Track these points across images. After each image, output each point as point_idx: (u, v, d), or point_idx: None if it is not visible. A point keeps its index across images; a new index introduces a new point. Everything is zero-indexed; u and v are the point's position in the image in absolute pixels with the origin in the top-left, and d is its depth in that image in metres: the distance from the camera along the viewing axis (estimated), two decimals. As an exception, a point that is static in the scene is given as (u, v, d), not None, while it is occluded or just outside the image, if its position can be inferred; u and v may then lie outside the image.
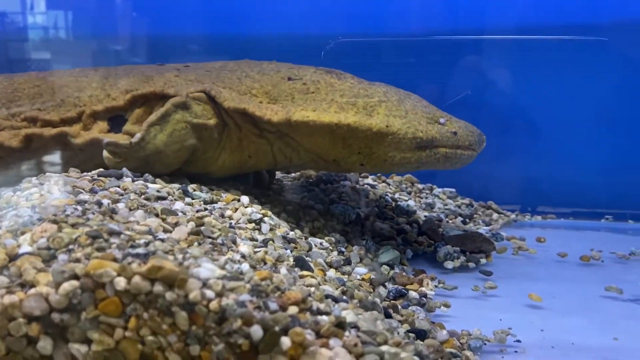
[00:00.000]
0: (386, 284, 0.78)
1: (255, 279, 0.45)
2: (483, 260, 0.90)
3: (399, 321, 0.61)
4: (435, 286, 0.80)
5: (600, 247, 0.97)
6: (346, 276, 0.74)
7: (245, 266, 0.48)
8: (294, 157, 0.82)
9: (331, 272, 0.72)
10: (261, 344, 0.40)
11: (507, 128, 1.20)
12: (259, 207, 0.78)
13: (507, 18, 1.19)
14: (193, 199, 0.75)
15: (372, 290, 0.75)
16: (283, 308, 0.42)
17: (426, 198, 1.18)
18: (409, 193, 1.19)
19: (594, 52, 1.17)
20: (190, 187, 0.77)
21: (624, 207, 1.18)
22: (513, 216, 1.18)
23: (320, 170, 0.97)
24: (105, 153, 0.77)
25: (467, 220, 1.11)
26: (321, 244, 0.82)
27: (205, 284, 0.42)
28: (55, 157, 0.83)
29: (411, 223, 1.01)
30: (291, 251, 0.71)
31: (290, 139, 0.80)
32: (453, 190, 1.23)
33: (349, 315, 0.45)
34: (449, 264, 0.88)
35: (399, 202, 1.11)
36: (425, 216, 1.06)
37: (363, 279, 0.77)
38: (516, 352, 0.62)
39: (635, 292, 0.78)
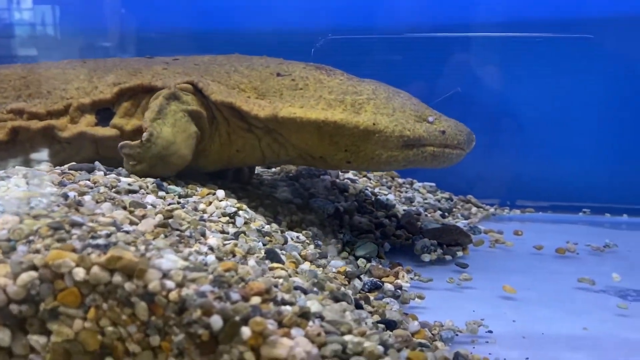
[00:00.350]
0: (362, 276, 0.79)
1: (219, 270, 0.45)
2: (460, 253, 0.91)
3: (370, 312, 0.61)
4: (411, 278, 0.80)
5: (577, 240, 0.97)
6: (321, 269, 0.74)
7: (211, 258, 0.48)
8: (281, 152, 0.82)
9: (305, 265, 0.72)
10: (221, 334, 0.40)
11: (487, 123, 1.20)
12: (235, 201, 0.78)
13: (495, 14, 1.19)
14: (167, 192, 0.75)
15: (347, 282, 0.75)
16: (245, 298, 0.42)
17: (406, 192, 1.18)
18: (389, 187, 1.19)
19: (575, 48, 1.18)
20: (166, 182, 0.77)
21: (601, 200, 1.19)
22: (492, 210, 1.19)
23: (307, 166, 0.96)
24: (125, 159, 0.76)
25: (446, 214, 1.11)
26: (297, 237, 0.82)
27: (165, 275, 0.42)
28: (41, 150, 0.82)
29: (390, 217, 1.02)
30: (265, 244, 0.71)
31: (278, 134, 0.80)
32: (433, 184, 1.24)
33: (313, 306, 0.45)
34: (426, 257, 0.88)
35: (378, 196, 1.11)
36: (404, 210, 1.07)
37: (338, 272, 0.77)
38: (487, 342, 0.63)
39: (607, 283, 0.79)
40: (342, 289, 0.68)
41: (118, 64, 0.86)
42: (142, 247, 0.45)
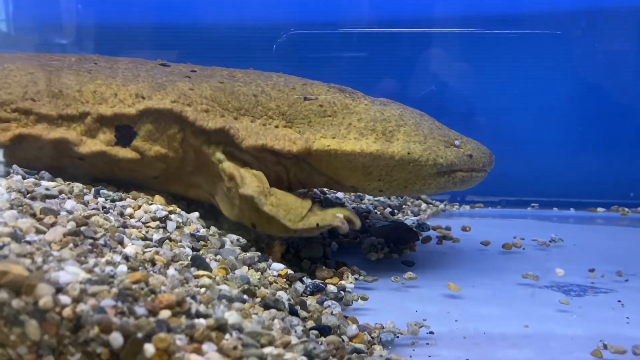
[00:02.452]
0: (304, 278, 0.76)
1: (126, 282, 0.41)
2: (407, 251, 0.89)
3: (305, 318, 0.58)
4: (356, 279, 0.78)
5: (524, 235, 0.97)
6: (259, 273, 0.71)
7: (122, 268, 0.44)
8: (307, 181, 0.81)
9: (242, 270, 0.69)
10: (122, 352, 0.36)
11: (438, 118, 1.20)
12: (165, 204, 0.74)
13: (464, 8, 1.18)
14: (105, 198, 0.72)
15: (288, 286, 0.73)
16: (153, 312, 0.39)
17: (356, 190, 1.16)
18: (340, 185, 1.17)
19: (524, 44, 1.18)
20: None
21: (549, 195, 1.20)
22: (442, 206, 1.18)
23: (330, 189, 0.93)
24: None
25: (396, 211, 1.10)
26: (238, 240, 0.79)
27: (60, 290, 0.38)
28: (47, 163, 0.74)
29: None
30: (198, 249, 0.68)
31: (306, 164, 0.79)
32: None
33: (231, 317, 0.42)
34: (373, 256, 0.86)
35: (327, 195, 1.09)
36: (352, 208, 1.05)
37: (279, 275, 0.74)
38: (428, 344, 0.61)
39: (551, 278, 0.79)
40: (279, 293, 0.65)
41: (136, 70, 0.80)
42: (40, 260, 0.41)
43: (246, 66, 0.88)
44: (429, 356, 0.58)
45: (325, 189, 1.11)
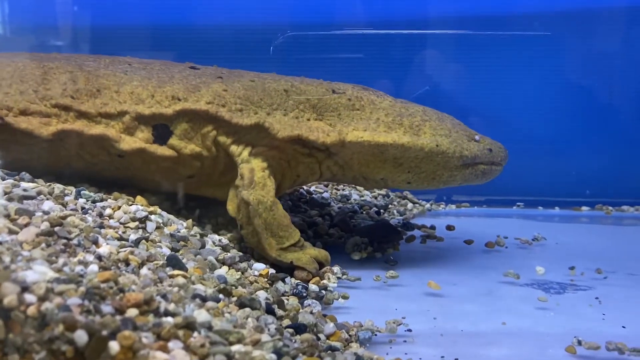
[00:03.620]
0: (286, 279, 0.76)
1: (94, 281, 0.41)
2: (390, 250, 0.89)
3: (281, 317, 0.59)
4: (338, 278, 0.78)
5: (508, 234, 0.98)
6: (239, 273, 0.71)
7: (93, 268, 0.45)
8: (339, 173, 0.83)
9: (222, 270, 0.69)
10: (87, 349, 0.37)
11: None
12: (146, 205, 0.74)
13: (460, 9, 1.18)
14: (86, 199, 0.72)
15: (268, 285, 0.73)
16: (120, 311, 0.39)
17: (343, 190, 1.17)
18: (326, 185, 1.17)
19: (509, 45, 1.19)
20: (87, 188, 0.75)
21: (534, 194, 1.21)
22: (428, 205, 1.18)
23: (357, 185, 0.95)
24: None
25: (382, 210, 1.10)
26: (220, 240, 0.79)
27: (26, 289, 0.38)
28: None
29: (324, 215, 1.00)
30: (178, 250, 0.68)
31: (339, 157, 0.81)
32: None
33: (200, 315, 0.42)
34: (356, 255, 0.87)
35: (313, 195, 1.09)
36: (338, 208, 1.05)
37: (260, 275, 0.75)
38: (405, 341, 0.61)
39: (532, 276, 0.79)
40: (258, 293, 0.65)
41: (169, 71, 0.81)
42: (7, 259, 0.41)
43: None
44: (406, 353, 0.58)
45: (310, 189, 1.11)
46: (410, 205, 1.16)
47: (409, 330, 0.63)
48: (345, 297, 0.72)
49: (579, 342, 0.58)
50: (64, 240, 0.50)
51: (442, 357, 0.57)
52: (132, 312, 0.39)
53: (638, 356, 0.56)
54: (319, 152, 0.80)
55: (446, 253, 0.91)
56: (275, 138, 0.77)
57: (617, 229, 1.11)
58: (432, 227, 1.00)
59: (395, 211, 1.12)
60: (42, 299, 0.38)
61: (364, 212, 1.07)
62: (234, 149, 0.78)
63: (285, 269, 0.76)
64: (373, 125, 0.80)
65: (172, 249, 0.67)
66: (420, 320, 0.66)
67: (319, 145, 0.79)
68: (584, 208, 1.21)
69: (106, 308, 0.39)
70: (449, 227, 1.00)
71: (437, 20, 1.19)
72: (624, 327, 0.64)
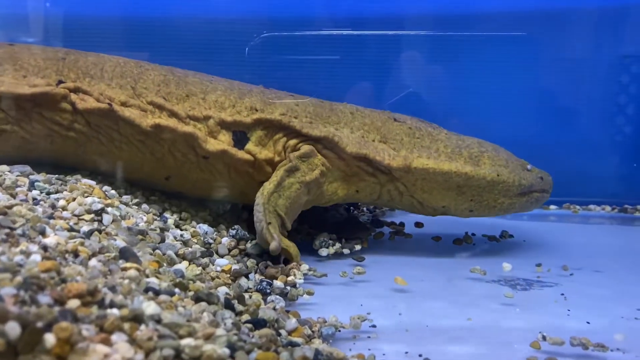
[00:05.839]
0: (250, 275, 0.74)
1: (34, 270, 0.38)
2: (358, 247, 0.88)
3: (241, 312, 0.57)
4: (305, 275, 0.77)
5: (476, 231, 0.98)
6: (200, 268, 0.69)
7: (35, 258, 0.42)
8: (397, 199, 0.86)
9: (181, 265, 0.67)
10: (20, 342, 0.34)
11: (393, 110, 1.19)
12: (104, 198, 0.71)
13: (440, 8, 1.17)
14: (40, 191, 0.69)
15: (231, 281, 0.71)
16: (60, 302, 0.37)
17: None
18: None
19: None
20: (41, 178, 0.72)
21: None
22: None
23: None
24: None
25: (352, 208, 1.09)
26: (182, 235, 0.77)
27: (-46, 278, 0.35)
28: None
29: (292, 212, 0.98)
30: (135, 243, 0.65)
31: (400, 183, 0.84)
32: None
33: (149, 308, 0.40)
34: (324, 252, 0.85)
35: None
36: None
37: (223, 271, 0.72)
38: (369, 337, 0.60)
39: (498, 272, 0.79)
40: (219, 289, 0.63)
41: (246, 86, 0.87)
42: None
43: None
44: (369, 349, 0.57)
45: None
46: (380, 202, 1.14)
47: (374, 326, 0.62)
48: (310, 293, 0.70)
49: (544, 338, 0.57)
50: (7, 230, 0.47)
51: (406, 352, 0.56)
52: (73, 304, 0.37)
53: (602, 351, 0.56)
54: (382, 174, 0.84)
55: (414, 249, 0.91)
56: (344, 152, 0.81)
57: (584, 228, 1.12)
58: (401, 224, 1.00)
59: (365, 208, 1.10)
60: (-28, 289, 0.35)
61: (333, 209, 1.06)
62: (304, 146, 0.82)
63: (260, 255, 0.78)
64: (434, 154, 0.84)
65: (128, 243, 0.64)
66: (385, 316, 0.65)
67: (383, 167, 0.82)
68: (552, 207, 1.22)
69: (44, 299, 0.36)
70: (418, 224, 1.00)
71: (418, 20, 1.18)
72: (588, 322, 0.63)
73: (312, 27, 1.13)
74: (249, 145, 0.81)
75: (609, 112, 1.25)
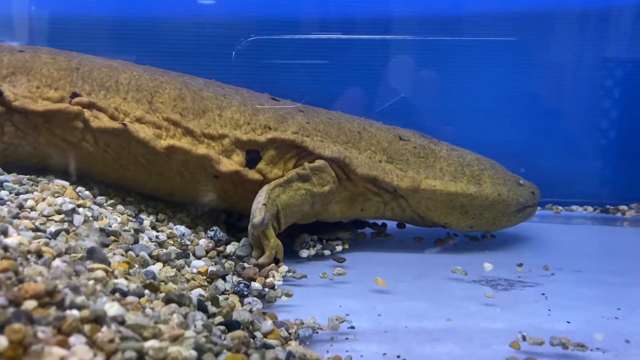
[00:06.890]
0: (227, 277, 0.73)
1: (-10, 269, 0.37)
2: (339, 248, 0.86)
3: (214, 314, 0.55)
4: (283, 277, 0.75)
5: (457, 231, 0.97)
6: (174, 270, 0.67)
7: (-7, 257, 0.40)
8: (399, 214, 0.88)
9: (155, 267, 0.65)
10: (-30, 346, 0.32)
11: (383, 116, 1.18)
12: (76, 198, 0.69)
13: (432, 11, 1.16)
14: (9, 191, 0.67)
15: (207, 283, 0.69)
16: (15, 303, 0.35)
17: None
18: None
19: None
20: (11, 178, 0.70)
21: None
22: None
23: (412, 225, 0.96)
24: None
25: (334, 209, 1.07)
26: (157, 237, 0.75)
27: None
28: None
29: (273, 213, 0.96)
30: (107, 244, 0.63)
31: (404, 200, 0.86)
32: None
33: (112, 309, 0.38)
34: (304, 253, 0.84)
35: (263, 192, 1.05)
36: (288, 206, 1.02)
37: (199, 273, 0.71)
38: (347, 339, 0.58)
39: (480, 272, 0.78)
40: (194, 291, 0.61)
41: (257, 99, 0.87)
42: None
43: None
44: (347, 351, 0.55)
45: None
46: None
47: (352, 327, 0.61)
48: (288, 295, 0.69)
49: (524, 338, 0.57)
50: (-34, 229, 0.45)
51: (385, 354, 0.55)
52: (29, 305, 0.35)
53: (581, 351, 0.55)
54: (387, 193, 0.85)
55: (396, 250, 0.90)
56: (354, 173, 0.82)
57: (566, 228, 1.12)
58: (383, 225, 0.99)
59: (347, 209, 1.09)
60: None
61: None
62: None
63: (239, 257, 0.77)
64: (439, 174, 0.86)
65: (101, 244, 0.62)
66: (364, 317, 0.63)
67: (389, 188, 0.84)
68: (535, 208, 1.21)
69: (-1, 299, 0.34)
70: (400, 225, 0.98)
71: (409, 25, 1.17)
72: (568, 322, 0.63)
73: (301, 30, 1.12)
74: (261, 164, 0.80)
75: (591, 115, 1.26)
